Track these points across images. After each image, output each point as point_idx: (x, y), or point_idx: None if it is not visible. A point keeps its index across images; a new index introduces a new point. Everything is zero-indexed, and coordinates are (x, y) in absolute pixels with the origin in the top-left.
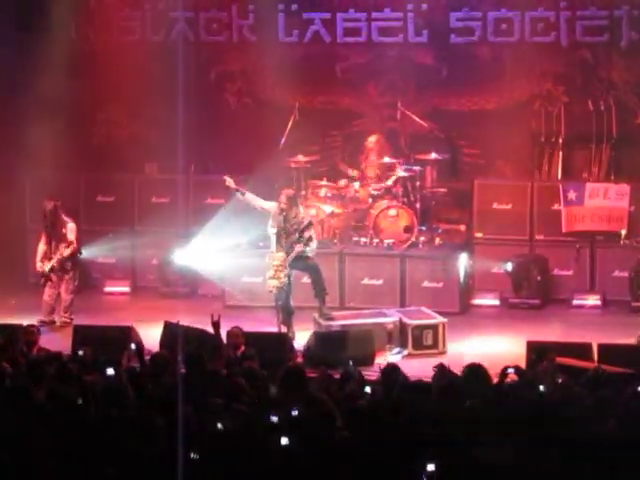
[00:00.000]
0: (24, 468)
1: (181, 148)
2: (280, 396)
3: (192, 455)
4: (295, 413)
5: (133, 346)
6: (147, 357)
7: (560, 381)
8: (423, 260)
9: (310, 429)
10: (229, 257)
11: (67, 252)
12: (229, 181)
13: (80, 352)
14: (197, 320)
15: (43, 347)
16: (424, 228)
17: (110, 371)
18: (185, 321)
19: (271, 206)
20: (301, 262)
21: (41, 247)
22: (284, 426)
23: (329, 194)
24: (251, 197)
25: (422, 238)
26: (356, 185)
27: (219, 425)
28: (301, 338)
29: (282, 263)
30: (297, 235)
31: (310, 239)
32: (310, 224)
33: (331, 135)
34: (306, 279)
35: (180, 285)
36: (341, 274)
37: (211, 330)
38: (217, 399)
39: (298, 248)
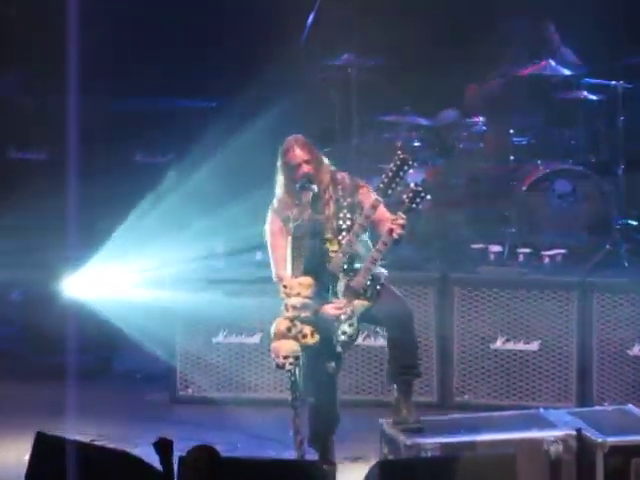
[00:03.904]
0: None
1: (73, 59)
2: None
3: None
4: None
5: None
6: None
7: None
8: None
9: None
10: (182, 289)
11: None
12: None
13: None
14: (110, 430)
15: None
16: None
17: None
18: (86, 434)
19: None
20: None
21: None
22: None
23: (418, 143)
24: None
25: (625, 245)
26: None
27: None
28: (351, 473)
29: (308, 302)
30: (360, 228)
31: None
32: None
33: (416, 16)
34: (370, 338)
35: (70, 352)
36: (441, 329)
37: (145, 457)
38: None
39: (370, 266)
